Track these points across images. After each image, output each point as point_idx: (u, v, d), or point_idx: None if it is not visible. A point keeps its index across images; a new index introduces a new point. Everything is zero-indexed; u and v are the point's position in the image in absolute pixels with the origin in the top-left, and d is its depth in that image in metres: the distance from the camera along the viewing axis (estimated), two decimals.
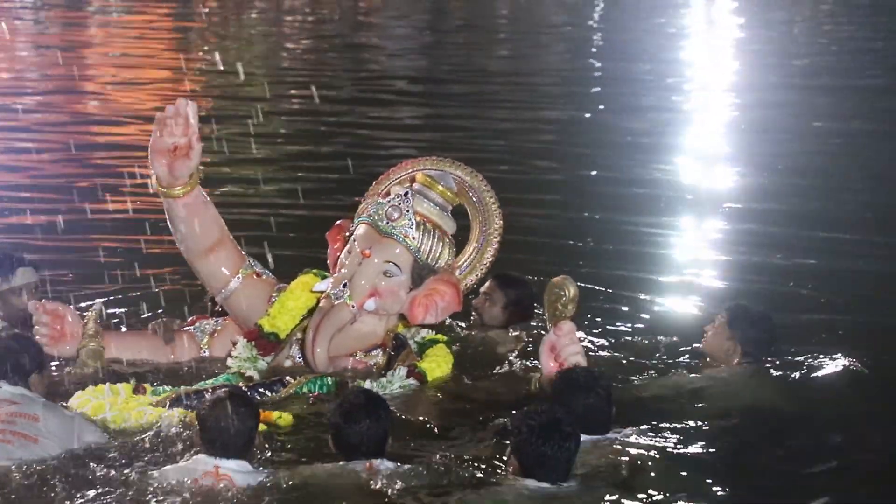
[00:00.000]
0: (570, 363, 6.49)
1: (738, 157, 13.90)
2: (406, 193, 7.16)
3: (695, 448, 6.34)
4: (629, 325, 8.17)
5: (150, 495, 5.61)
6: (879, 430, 6.69)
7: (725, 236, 10.65)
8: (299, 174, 12.31)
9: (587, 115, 16.30)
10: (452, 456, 6.09)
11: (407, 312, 7.14)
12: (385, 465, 5.81)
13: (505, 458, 5.81)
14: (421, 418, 6.63)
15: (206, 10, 26.25)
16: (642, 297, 8.81)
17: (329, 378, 6.90)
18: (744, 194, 12.16)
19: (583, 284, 7.19)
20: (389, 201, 7.14)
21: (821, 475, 6.21)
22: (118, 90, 16.92)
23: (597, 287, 8.72)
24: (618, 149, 13.86)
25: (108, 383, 6.67)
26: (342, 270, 7.09)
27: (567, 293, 6.63)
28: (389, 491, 5.68)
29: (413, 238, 7.06)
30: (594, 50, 23.16)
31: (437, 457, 6.08)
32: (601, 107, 16.93)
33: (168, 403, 6.53)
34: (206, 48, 21.73)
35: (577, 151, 13.73)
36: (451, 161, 7.48)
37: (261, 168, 12.47)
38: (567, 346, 6.60)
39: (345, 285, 7.03)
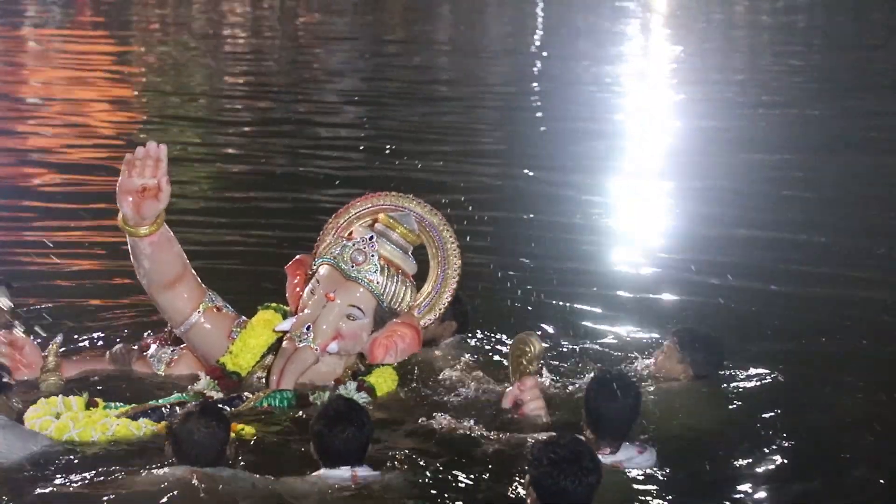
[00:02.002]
0: (531, 417, 6.65)
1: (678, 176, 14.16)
2: (371, 238, 7.26)
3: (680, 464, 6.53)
4: (577, 345, 8.27)
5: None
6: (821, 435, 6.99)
7: (667, 256, 10.83)
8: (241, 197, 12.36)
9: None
10: (435, 461, 6.30)
11: (367, 353, 7.24)
12: (368, 472, 5.99)
13: (524, 489, 5.74)
14: (398, 425, 6.82)
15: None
16: (588, 317, 8.93)
17: (289, 392, 7.02)
18: (682, 212, 12.41)
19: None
20: (355, 244, 7.25)
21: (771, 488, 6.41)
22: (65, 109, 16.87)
23: (547, 306, 8.95)
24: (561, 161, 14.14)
25: (60, 395, 6.74)
26: (306, 311, 7.19)
27: (532, 349, 6.80)
28: (373, 499, 5.86)
29: (377, 283, 7.18)
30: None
31: (420, 462, 6.29)
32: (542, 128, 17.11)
33: (132, 415, 6.65)
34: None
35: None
36: (411, 198, 7.58)
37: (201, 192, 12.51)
38: (530, 402, 6.80)
39: (308, 328, 7.13)
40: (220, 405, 6.86)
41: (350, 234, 7.47)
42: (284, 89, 19.19)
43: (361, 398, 7.00)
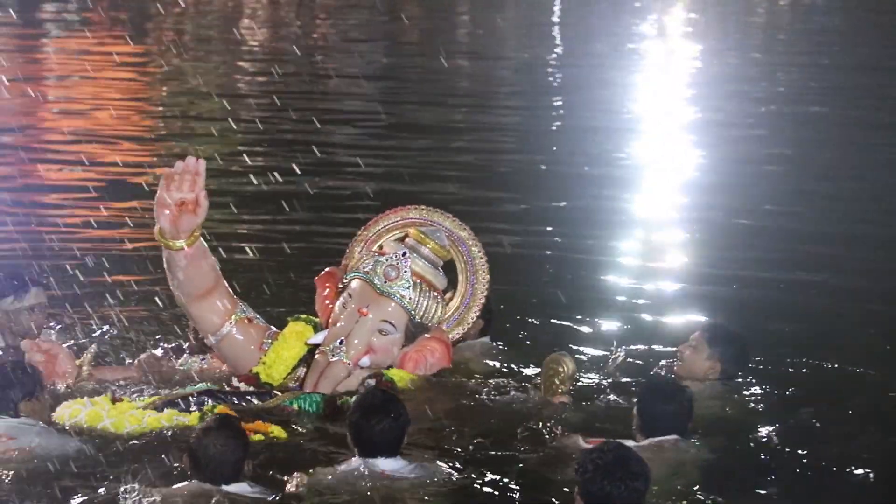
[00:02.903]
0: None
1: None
2: (404, 254, 7.36)
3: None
4: (598, 345, 8.34)
5: None
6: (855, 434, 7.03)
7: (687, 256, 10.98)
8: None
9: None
10: (466, 456, 6.42)
11: (397, 366, 7.33)
12: (401, 464, 6.10)
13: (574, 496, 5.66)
14: (433, 419, 6.89)
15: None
16: (606, 316, 9.00)
17: (318, 395, 7.10)
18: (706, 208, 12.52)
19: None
20: (388, 260, 7.35)
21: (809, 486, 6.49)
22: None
23: (565, 303, 9.03)
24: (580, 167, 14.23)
25: (86, 397, 6.85)
26: (339, 324, 7.28)
27: (565, 370, 6.90)
28: (405, 490, 5.96)
29: (410, 299, 7.29)
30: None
31: (451, 456, 6.41)
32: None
33: (159, 406, 6.75)
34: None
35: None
36: (440, 212, 7.70)
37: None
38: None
39: (341, 342, 7.22)
40: (248, 396, 7.01)
41: (381, 248, 7.57)
42: (299, 95, 19.26)
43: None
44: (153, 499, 5.83)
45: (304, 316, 7.56)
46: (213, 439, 5.90)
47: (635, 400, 6.59)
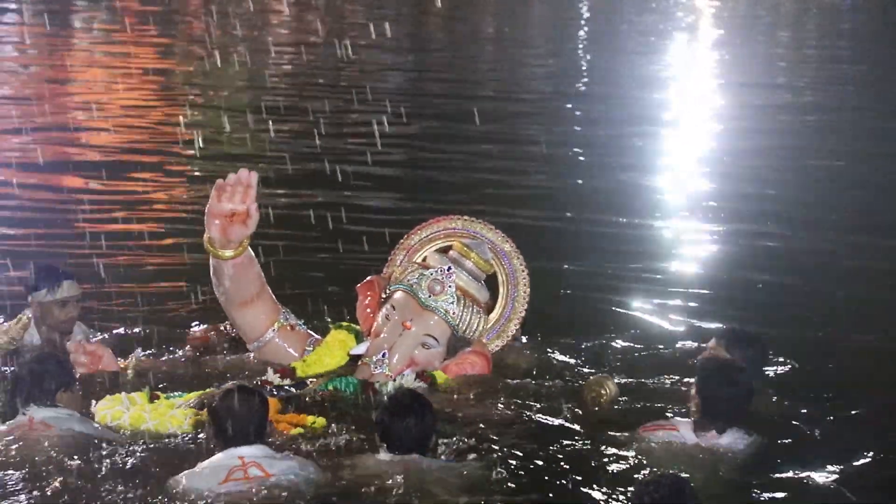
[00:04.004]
0: None
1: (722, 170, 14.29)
2: (449, 269, 7.43)
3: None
4: (624, 343, 8.37)
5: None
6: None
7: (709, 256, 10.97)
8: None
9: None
10: (494, 457, 6.44)
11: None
12: (425, 461, 6.16)
13: None
14: (468, 417, 6.95)
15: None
16: (630, 317, 9.05)
17: (354, 378, 7.19)
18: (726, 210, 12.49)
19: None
20: (432, 274, 7.41)
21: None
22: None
23: (586, 305, 9.14)
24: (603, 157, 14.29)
25: (123, 392, 6.91)
26: (381, 336, 7.35)
27: (608, 392, 6.98)
28: (423, 486, 6.01)
29: (454, 314, 7.37)
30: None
31: (485, 454, 6.45)
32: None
33: (197, 404, 6.79)
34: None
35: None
36: (483, 223, 7.77)
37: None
38: None
39: (384, 354, 7.29)
40: (286, 387, 7.07)
41: (424, 259, 7.65)
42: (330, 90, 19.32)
43: (420, 386, 7.13)
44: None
45: (345, 324, 7.62)
46: (236, 399, 5.99)
47: (694, 380, 6.69)
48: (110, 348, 7.49)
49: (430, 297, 7.36)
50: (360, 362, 7.36)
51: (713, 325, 8.49)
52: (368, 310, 7.56)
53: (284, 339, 7.50)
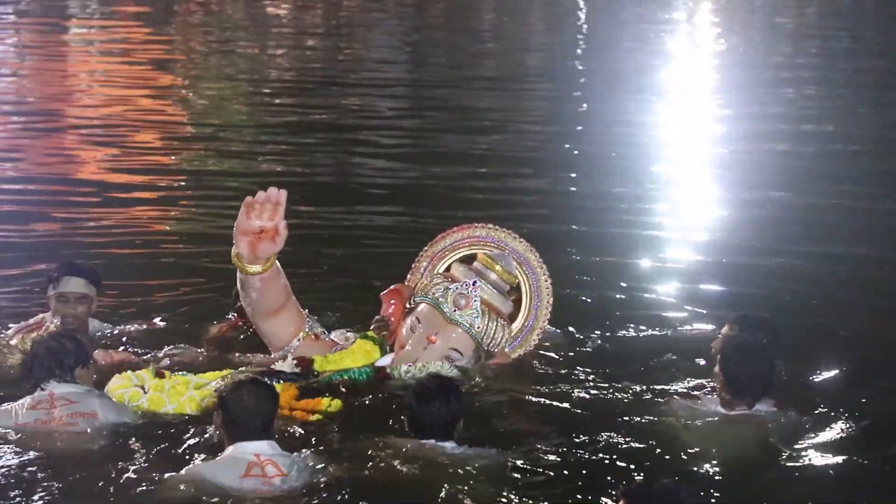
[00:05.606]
0: None
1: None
2: (474, 283, 7.46)
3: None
4: (639, 330, 8.49)
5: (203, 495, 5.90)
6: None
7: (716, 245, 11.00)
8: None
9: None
10: (516, 446, 6.52)
11: None
12: (450, 446, 6.25)
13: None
14: (496, 408, 7.02)
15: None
16: (636, 307, 9.08)
17: (367, 366, 7.26)
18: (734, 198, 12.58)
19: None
20: (458, 288, 7.45)
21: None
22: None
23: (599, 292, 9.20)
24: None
25: (129, 371, 7.00)
26: (407, 348, 7.40)
27: None
28: (449, 472, 6.10)
29: (478, 328, 7.41)
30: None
31: (511, 443, 6.53)
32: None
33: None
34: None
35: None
36: (507, 231, 7.81)
37: None
38: None
39: (408, 367, 7.30)
40: (297, 376, 7.10)
41: (448, 269, 7.69)
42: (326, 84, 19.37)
43: (450, 371, 7.21)
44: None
45: (371, 335, 7.60)
46: (246, 392, 6.04)
47: (719, 358, 6.80)
48: (133, 355, 7.56)
49: (455, 311, 7.40)
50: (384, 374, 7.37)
51: (725, 313, 8.39)
52: (392, 319, 7.60)
53: (309, 348, 7.51)
